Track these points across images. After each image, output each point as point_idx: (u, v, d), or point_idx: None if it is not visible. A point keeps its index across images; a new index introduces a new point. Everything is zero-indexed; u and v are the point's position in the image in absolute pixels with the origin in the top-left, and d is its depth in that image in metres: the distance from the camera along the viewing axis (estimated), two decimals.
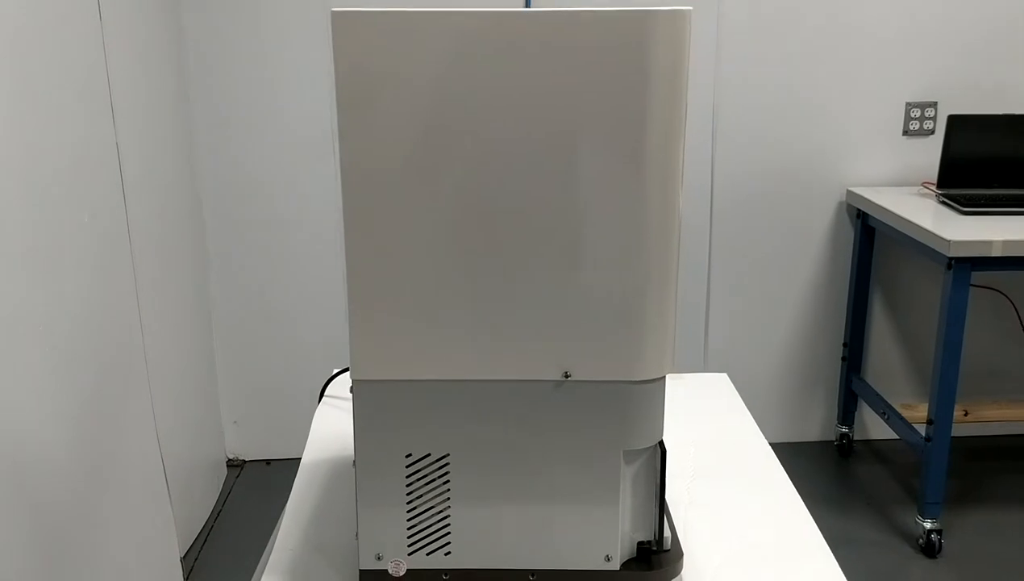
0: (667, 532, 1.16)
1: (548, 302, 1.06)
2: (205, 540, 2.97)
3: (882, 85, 3.27)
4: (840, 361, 3.48)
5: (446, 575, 1.14)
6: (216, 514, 3.12)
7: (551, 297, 1.06)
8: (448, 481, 1.12)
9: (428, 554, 1.14)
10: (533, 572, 1.14)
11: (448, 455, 1.11)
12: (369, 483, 1.12)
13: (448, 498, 1.12)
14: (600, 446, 1.10)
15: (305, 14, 3.07)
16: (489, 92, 1.01)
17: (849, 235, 3.38)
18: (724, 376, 1.75)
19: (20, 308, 1.76)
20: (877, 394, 3.25)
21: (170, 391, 2.72)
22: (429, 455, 1.11)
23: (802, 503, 1.34)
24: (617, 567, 1.13)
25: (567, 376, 1.08)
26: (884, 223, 3.06)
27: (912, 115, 3.30)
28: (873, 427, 3.57)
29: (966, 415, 3.26)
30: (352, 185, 1.04)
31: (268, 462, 3.47)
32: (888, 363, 3.50)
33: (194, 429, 3.02)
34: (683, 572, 1.17)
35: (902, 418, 3.04)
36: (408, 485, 1.12)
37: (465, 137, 1.02)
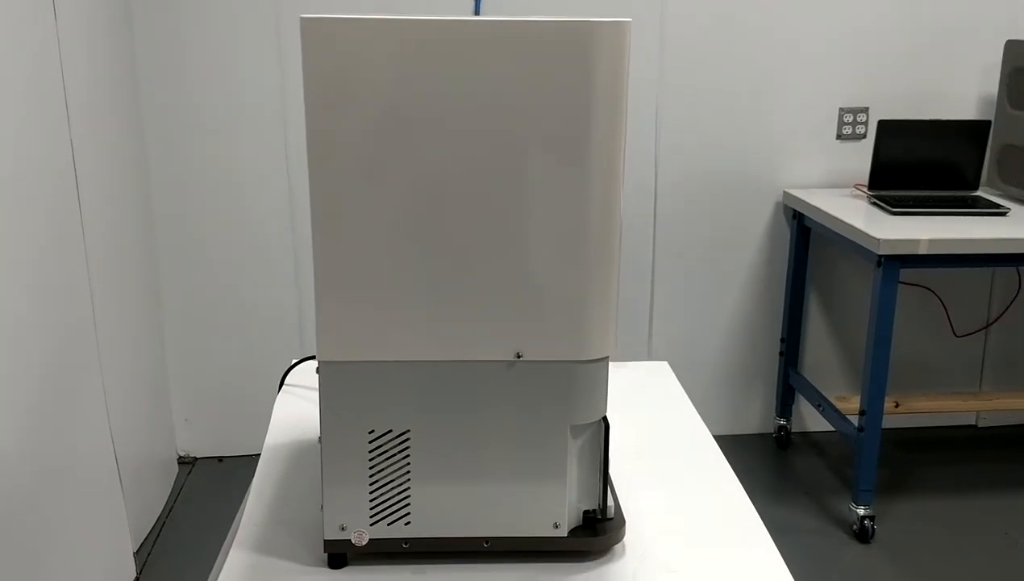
0: (610, 502, 1.26)
1: (500, 289, 1.15)
2: (157, 536, 3.00)
3: (816, 91, 3.41)
4: (778, 356, 3.61)
5: (406, 543, 1.22)
6: (168, 510, 3.16)
7: (503, 284, 1.15)
8: (408, 456, 1.20)
9: (389, 524, 1.22)
10: (487, 539, 1.23)
11: (408, 431, 1.19)
12: (334, 458, 1.20)
13: (408, 471, 1.20)
14: (549, 421, 1.19)
15: (255, 9, 3.13)
16: (443, 94, 1.10)
17: (786, 235, 3.52)
18: (665, 364, 1.85)
19: None
20: (813, 387, 3.38)
21: (121, 387, 2.74)
22: (390, 431, 1.19)
23: (736, 480, 1.45)
24: (565, 534, 1.22)
25: (519, 357, 1.17)
26: (819, 223, 3.19)
27: (845, 120, 3.44)
28: (810, 419, 3.71)
29: (897, 406, 3.41)
30: (319, 180, 1.12)
31: (220, 459, 3.51)
32: (823, 357, 3.64)
33: (145, 426, 3.05)
34: (625, 539, 1.27)
35: (836, 409, 3.17)
36: (371, 460, 1.20)
37: (422, 135, 1.11)
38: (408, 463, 1.20)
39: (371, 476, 1.20)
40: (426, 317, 1.16)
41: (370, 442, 1.19)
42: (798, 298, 3.51)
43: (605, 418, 1.22)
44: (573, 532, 1.24)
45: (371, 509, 1.21)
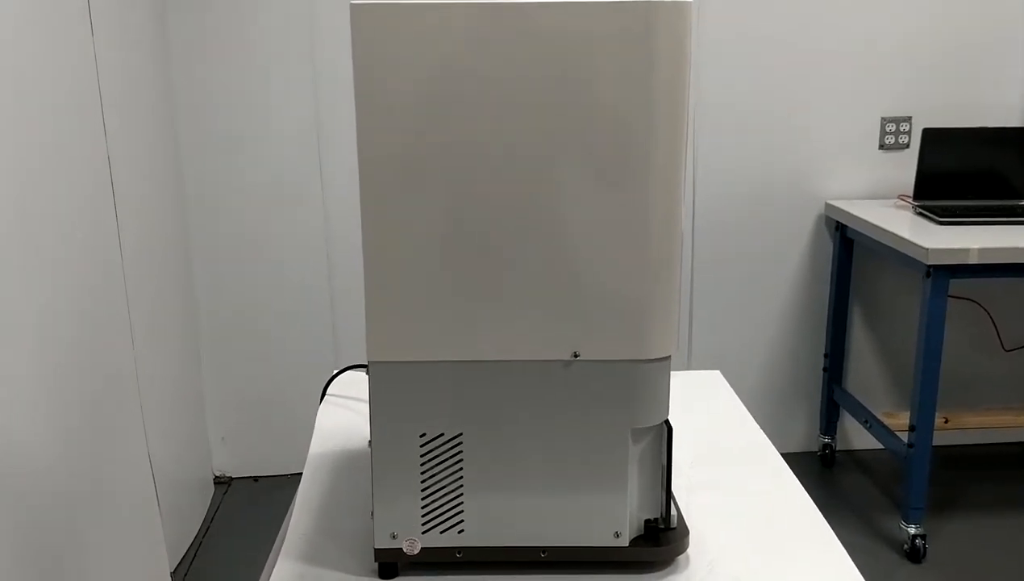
0: (673, 511, 1.20)
1: (556, 285, 1.10)
2: (194, 557, 2.96)
3: (858, 101, 3.35)
4: (821, 372, 3.54)
5: (459, 553, 1.17)
6: (204, 531, 3.12)
7: (559, 280, 1.10)
8: (461, 460, 1.15)
9: (442, 532, 1.17)
10: (544, 549, 1.17)
11: (461, 435, 1.14)
12: (384, 463, 1.15)
13: (461, 477, 1.15)
14: (608, 425, 1.13)
15: (289, 11, 3.11)
16: (496, 81, 1.05)
17: (828, 248, 3.45)
18: (717, 373, 1.79)
19: (11, 320, 1.77)
20: (859, 403, 3.30)
21: (158, 407, 2.72)
22: (442, 435, 1.14)
23: (802, 488, 1.38)
24: (626, 543, 1.16)
25: (576, 356, 1.12)
26: (863, 234, 3.12)
27: (887, 129, 3.38)
28: (855, 437, 3.62)
29: (946, 422, 3.32)
30: (369, 172, 1.08)
31: (256, 479, 3.47)
32: (868, 373, 3.56)
33: (182, 446, 3.02)
34: (689, 550, 1.21)
35: (884, 426, 3.09)
36: (422, 465, 1.15)
37: (475, 125, 1.06)
38: (461, 468, 1.15)
39: (423, 482, 1.15)
40: (478, 315, 1.11)
41: (421, 446, 1.14)
42: (842, 312, 3.44)
43: (667, 421, 1.16)
44: (635, 542, 1.18)
45: (423, 517, 1.16)
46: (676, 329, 1.13)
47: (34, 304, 1.87)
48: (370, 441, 1.15)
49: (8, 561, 1.71)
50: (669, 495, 1.17)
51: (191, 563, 2.92)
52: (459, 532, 1.17)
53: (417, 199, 1.08)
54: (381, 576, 1.18)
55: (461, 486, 1.15)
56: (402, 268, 1.10)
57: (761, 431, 1.56)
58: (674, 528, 1.19)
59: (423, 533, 1.16)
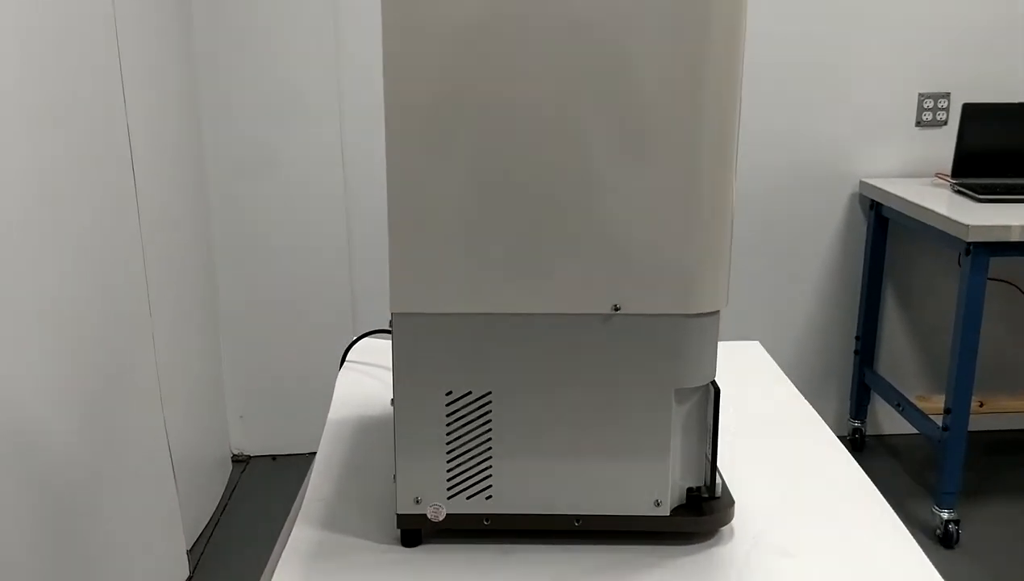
0: (718, 479, 1.12)
1: (596, 232, 1.02)
2: (211, 535, 2.90)
3: (895, 76, 3.25)
4: (852, 355, 3.44)
5: (487, 520, 1.10)
6: (222, 509, 3.06)
7: (599, 227, 1.02)
8: (490, 421, 1.07)
9: (468, 498, 1.09)
10: (579, 517, 1.09)
11: (490, 393, 1.06)
12: (408, 423, 1.07)
13: (489, 439, 1.08)
14: (651, 384, 1.05)
15: None
16: (536, 15, 0.97)
17: (862, 227, 3.35)
18: (757, 343, 1.71)
19: (28, 295, 1.72)
20: (891, 386, 3.20)
21: (176, 384, 2.66)
22: (470, 393, 1.07)
23: (851, 456, 1.30)
24: (667, 512, 1.09)
25: (616, 309, 1.04)
26: (899, 212, 3.02)
27: (925, 106, 3.27)
28: (884, 421, 3.52)
29: (981, 406, 3.22)
30: (395, 109, 1.00)
31: (274, 457, 3.41)
32: (901, 356, 3.46)
33: (200, 423, 2.96)
34: (732, 521, 1.13)
35: (918, 409, 2.99)
36: (448, 425, 1.07)
37: (511, 59, 0.98)
38: (489, 430, 1.07)
39: (448, 444, 1.08)
40: (511, 263, 1.03)
41: (447, 405, 1.07)
42: (875, 293, 3.34)
43: (714, 382, 1.08)
44: (676, 511, 1.10)
45: (448, 481, 1.09)
46: (727, 281, 1.05)
47: (50, 278, 1.81)
48: (392, 400, 1.07)
49: (24, 538, 1.65)
50: (715, 462, 1.09)
51: (208, 541, 2.86)
52: (487, 498, 1.09)
53: (445, 137, 1.00)
54: (404, 543, 1.11)
55: (489, 449, 1.08)
56: (428, 214, 1.02)
57: (805, 401, 1.48)
58: (718, 497, 1.11)
59: (448, 499, 1.09)
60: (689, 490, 1.11)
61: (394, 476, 1.09)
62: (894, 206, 3.05)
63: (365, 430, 1.39)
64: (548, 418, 1.07)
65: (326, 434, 1.39)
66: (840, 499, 1.20)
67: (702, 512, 1.10)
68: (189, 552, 2.69)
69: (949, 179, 3.08)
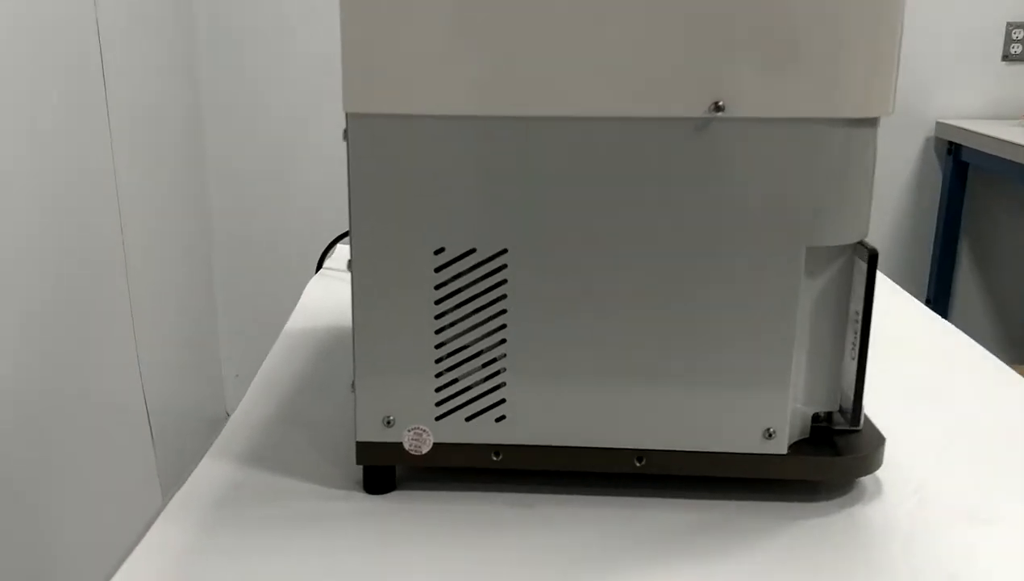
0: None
1: None
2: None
3: (979, 3, 2.83)
4: None
5: (497, 454, 0.70)
6: None
7: None
8: (504, 297, 0.67)
9: (468, 419, 0.69)
10: (641, 453, 0.69)
11: (505, 253, 0.66)
12: (374, 300, 0.67)
13: (504, 326, 0.67)
14: (768, 240, 0.65)
15: None
16: None
17: (936, 175, 2.94)
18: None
19: None
20: None
21: (162, 341, 2.37)
22: (473, 252, 0.66)
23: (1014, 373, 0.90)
24: (784, 449, 0.68)
25: (718, 109, 0.63)
26: (981, 155, 2.61)
27: (1014, 36, 2.86)
28: None
29: None
30: None
31: None
32: (976, 319, 3.05)
33: (187, 379, 2.69)
34: (880, 470, 0.72)
35: None
36: (438, 304, 0.67)
37: None
38: (504, 311, 0.67)
39: (439, 334, 0.68)
40: (540, 36, 0.63)
41: (437, 271, 0.67)
42: (949, 250, 2.93)
43: (867, 244, 0.68)
44: (796, 448, 0.69)
45: (438, 393, 0.69)
46: (895, 78, 0.65)
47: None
48: (349, 261, 0.68)
49: None
50: (863, 373, 0.68)
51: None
52: (497, 419, 0.69)
53: None
54: (367, 489, 0.71)
55: (504, 342, 0.68)
56: None
57: (957, 328, 1.08)
58: (859, 430, 0.71)
59: (437, 419, 0.69)
60: (815, 418, 0.71)
61: (352, 384, 0.69)
62: (977, 147, 2.64)
63: (333, 348, 1.00)
64: (596, 293, 0.66)
65: (277, 346, 1.00)
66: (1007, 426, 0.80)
67: (836, 450, 0.69)
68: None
69: None
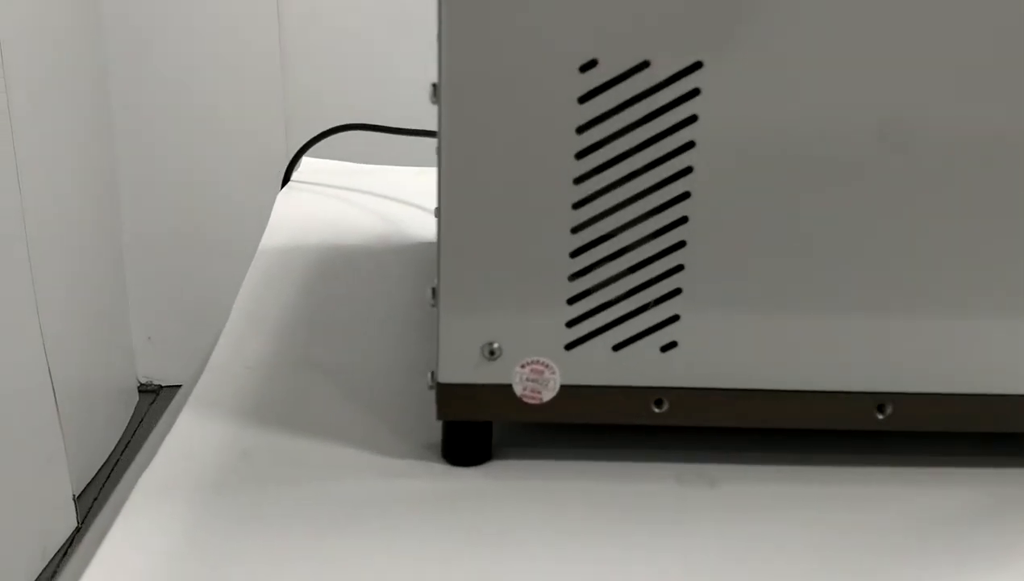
0: None
1: None
2: (108, 476, 2.42)
3: None
4: None
5: (659, 403, 0.44)
6: (123, 447, 2.57)
7: None
8: (691, 146, 0.42)
9: (617, 347, 0.44)
10: (884, 401, 0.45)
11: (700, 67, 0.41)
12: (472, 142, 0.42)
13: (685, 195, 0.42)
14: None
15: None
16: None
17: None
18: None
19: None
20: None
21: (62, 299, 2.21)
22: (646, 66, 0.41)
23: None
24: None
25: None
26: None
27: None
28: None
29: None
30: None
31: None
32: None
33: (95, 346, 2.52)
34: None
35: None
36: (579, 158, 0.42)
37: None
38: (688, 169, 0.42)
39: (577, 207, 0.42)
40: None
41: (581, 100, 0.41)
42: None
43: None
44: None
45: (571, 304, 0.43)
46: None
47: None
48: (434, 90, 0.42)
49: None
50: None
51: (103, 486, 2.37)
52: (664, 348, 0.44)
53: None
54: (450, 458, 0.45)
55: (683, 222, 0.43)
56: None
57: None
58: None
59: (568, 347, 0.44)
60: None
61: (432, 292, 0.43)
62: None
63: (321, 269, 0.74)
64: (826, 177, 0.42)
65: (254, 269, 0.74)
66: None
67: None
68: (77, 499, 2.26)
69: None
